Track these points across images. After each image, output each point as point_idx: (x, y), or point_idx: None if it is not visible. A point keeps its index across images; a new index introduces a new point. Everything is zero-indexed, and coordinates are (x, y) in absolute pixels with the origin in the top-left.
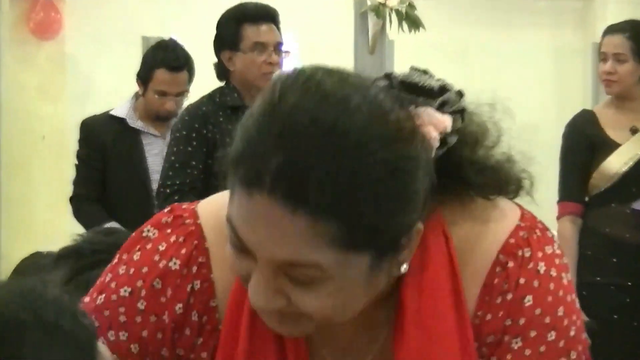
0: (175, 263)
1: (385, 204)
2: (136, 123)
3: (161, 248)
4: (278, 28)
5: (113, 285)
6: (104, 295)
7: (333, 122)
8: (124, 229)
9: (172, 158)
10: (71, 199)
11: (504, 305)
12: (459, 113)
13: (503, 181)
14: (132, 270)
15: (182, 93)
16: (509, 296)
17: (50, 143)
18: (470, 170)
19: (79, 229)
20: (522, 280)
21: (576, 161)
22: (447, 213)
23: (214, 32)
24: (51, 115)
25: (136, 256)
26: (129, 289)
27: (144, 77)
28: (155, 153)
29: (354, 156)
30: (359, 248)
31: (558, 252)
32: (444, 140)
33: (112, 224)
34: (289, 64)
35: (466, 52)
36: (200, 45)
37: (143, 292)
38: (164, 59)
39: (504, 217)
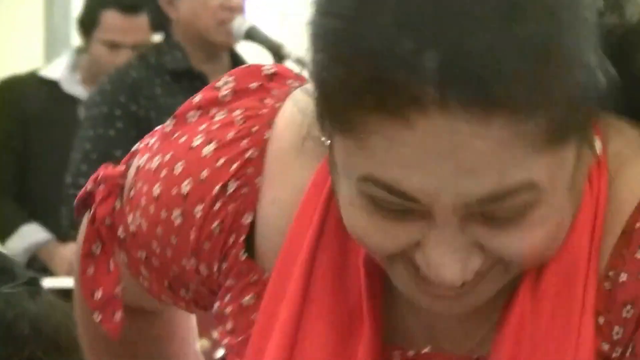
0: (209, 148)
1: (578, 71)
2: (74, 88)
3: (218, 116)
4: None
5: (156, 146)
6: (146, 156)
7: None
8: (45, 237)
9: (87, 146)
10: None
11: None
12: None
13: None
14: (176, 134)
15: (140, 45)
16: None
17: None
18: None
19: None
20: None
21: None
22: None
23: None
24: None
25: (194, 117)
26: (157, 163)
27: (87, 22)
28: None
29: (546, 18)
30: (567, 136)
31: None
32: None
33: (30, 228)
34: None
35: None
36: None
37: (163, 173)
38: None
39: None
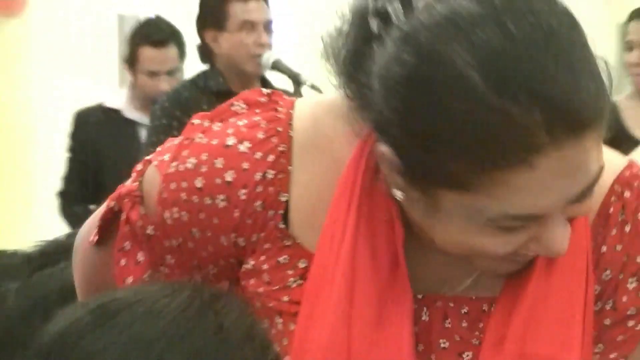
0: (245, 145)
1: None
2: (133, 114)
3: (241, 122)
4: (267, 4)
5: (185, 153)
6: (175, 163)
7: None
8: None
9: (151, 150)
10: (58, 195)
11: (622, 238)
12: None
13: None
14: (204, 140)
15: (174, 71)
16: (627, 228)
17: (9, 130)
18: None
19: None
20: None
21: None
22: None
23: (197, 9)
24: (11, 99)
25: (216, 126)
26: (194, 161)
27: (130, 59)
28: None
29: (587, 52)
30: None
31: None
32: None
33: None
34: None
35: None
36: (182, 26)
37: (203, 168)
38: (147, 35)
39: (615, 154)
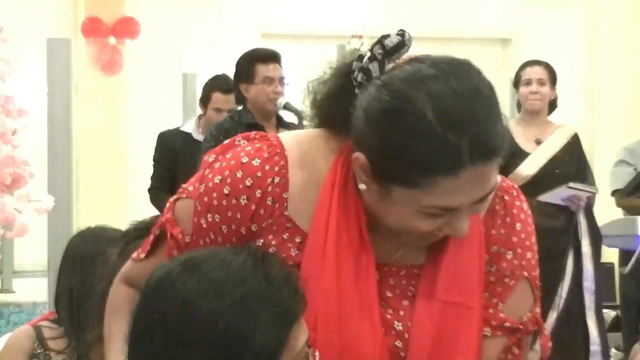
0: (256, 161)
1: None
2: (199, 136)
3: (248, 149)
4: (281, 66)
5: (210, 175)
6: (203, 184)
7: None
8: None
9: None
10: (149, 190)
11: (504, 225)
12: None
13: None
14: (223, 164)
15: (232, 110)
16: (508, 219)
17: (113, 153)
18: None
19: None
20: (514, 211)
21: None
22: None
23: (234, 69)
24: (112, 130)
25: (228, 155)
26: (220, 177)
27: (204, 99)
28: None
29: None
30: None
31: None
32: None
33: None
34: (288, 92)
35: None
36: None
37: (228, 180)
38: (218, 84)
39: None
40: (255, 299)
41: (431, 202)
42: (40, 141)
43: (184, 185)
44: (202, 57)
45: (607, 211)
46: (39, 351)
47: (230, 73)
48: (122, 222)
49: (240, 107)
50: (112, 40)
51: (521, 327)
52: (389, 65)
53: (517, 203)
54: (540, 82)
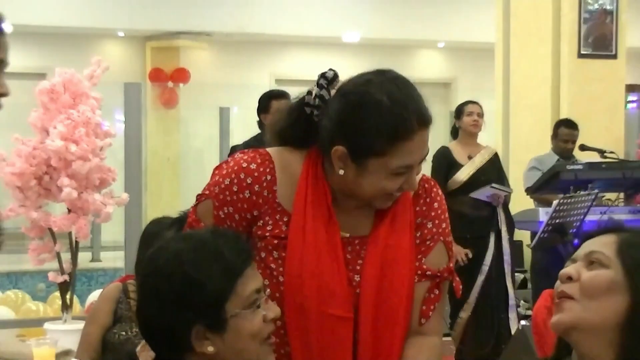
0: (253, 165)
1: None
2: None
3: (245, 157)
4: (290, 101)
5: (220, 180)
6: (217, 186)
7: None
8: None
9: None
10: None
11: (425, 204)
12: None
13: None
14: (229, 169)
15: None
16: (428, 200)
17: (170, 164)
18: None
19: None
20: (432, 194)
21: (441, 174)
22: None
23: (256, 104)
24: (170, 147)
25: (232, 162)
26: (228, 179)
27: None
28: None
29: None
30: None
31: None
32: None
33: None
34: None
35: None
36: (251, 110)
37: (235, 181)
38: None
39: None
40: (207, 258)
41: (398, 163)
42: (119, 155)
43: (199, 194)
44: (233, 96)
45: (518, 205)
46: (123, 299)
47: (254, 107)
48: (176, 214)
49: (260, 131)
50: (170, 84)
51: (439, 274)
52: (332, 91)
53: (435, 189)
54: (479, 115)
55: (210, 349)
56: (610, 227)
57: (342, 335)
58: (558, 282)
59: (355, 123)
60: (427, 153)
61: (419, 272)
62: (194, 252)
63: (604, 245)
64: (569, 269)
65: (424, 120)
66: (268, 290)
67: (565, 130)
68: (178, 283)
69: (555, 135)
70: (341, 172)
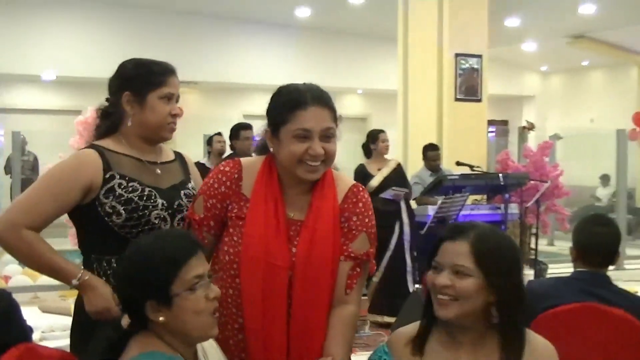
0: (227, 168)
1: None
2: (211, 165)
3: (223, 164)
4: (253, 131)
5: (207, 181)
6: (205, 186)
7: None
8: None
9: None
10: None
11: (352, 203)
12: None
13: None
14: (213, 174)
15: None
16: (354, 200)
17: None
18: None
19: None
20: (359, 196)
21: (359, 183)
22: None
23: (229, 133)
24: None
25: (216, 170)
26: (211, 180)
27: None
28: None
29: None
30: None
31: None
32: None
33: None
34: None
35: None
36: (226, 137)
37: (216, 183)
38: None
39: (351, 179)
40: (156, 250)
41: (297, 126)
42: None
43: (194, 195)
44: (213, 126)
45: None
46: None
47: (227, 135)
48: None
49: (232, 152)
50: None
51: (360, 256)
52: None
53: (361, 192)
54: (388, 141)
55: (161, 319)
56: (460, 228)
57: (280, 283)
58: (438, 281)
59: (274, 107)
60: (328, 129)
61: (345, 253)
62: (149, 246)
63: (462, 256)
64: (444, 280)
65: (316, 97)
66: (231, 250)
67: (431, 153)
68: (134, 268)
69: (425, 157)
70: (272, 149)
